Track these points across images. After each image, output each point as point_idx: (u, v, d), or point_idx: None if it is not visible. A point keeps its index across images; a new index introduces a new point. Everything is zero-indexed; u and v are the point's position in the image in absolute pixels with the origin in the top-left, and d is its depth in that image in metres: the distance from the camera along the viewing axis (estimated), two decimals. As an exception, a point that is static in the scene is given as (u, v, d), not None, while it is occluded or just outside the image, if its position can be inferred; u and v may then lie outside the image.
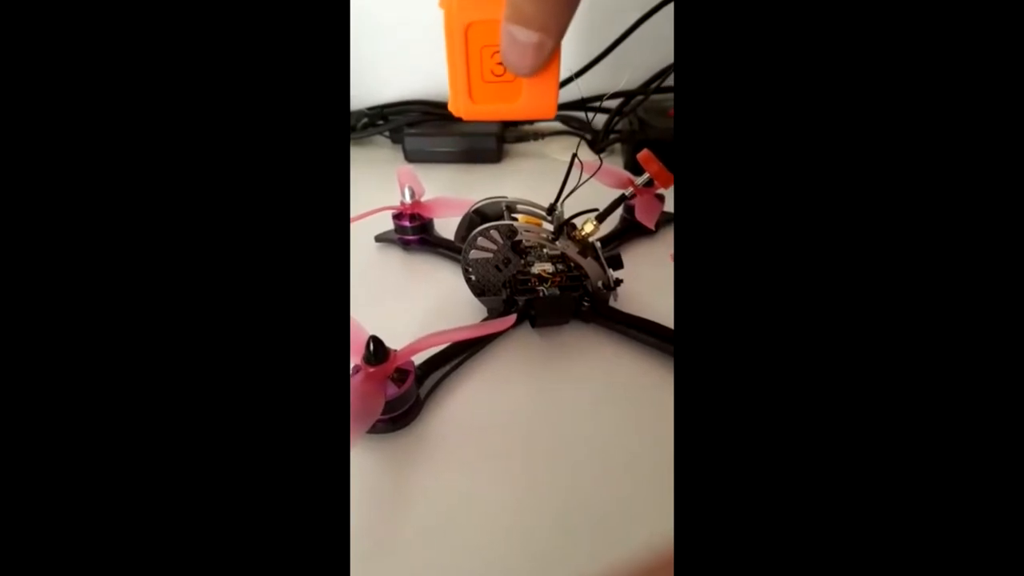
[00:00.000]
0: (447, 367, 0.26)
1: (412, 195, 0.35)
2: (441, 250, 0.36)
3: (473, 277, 0.29)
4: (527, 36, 0.16)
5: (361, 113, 0.54)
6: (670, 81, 0.49)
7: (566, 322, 0.30)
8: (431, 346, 0.23)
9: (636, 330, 0.28)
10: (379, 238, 0.37)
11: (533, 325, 0.29)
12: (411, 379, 0.23)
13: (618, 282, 0.29)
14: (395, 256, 0.37)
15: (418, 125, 0.51)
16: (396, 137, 0.53)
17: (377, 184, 0.42)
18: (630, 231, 0.37)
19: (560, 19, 0.16)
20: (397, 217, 0.36)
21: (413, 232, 0.36)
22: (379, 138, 0.55)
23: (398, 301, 0.32)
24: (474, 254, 0.28)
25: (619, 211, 0.37)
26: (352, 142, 0.54)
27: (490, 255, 0.28)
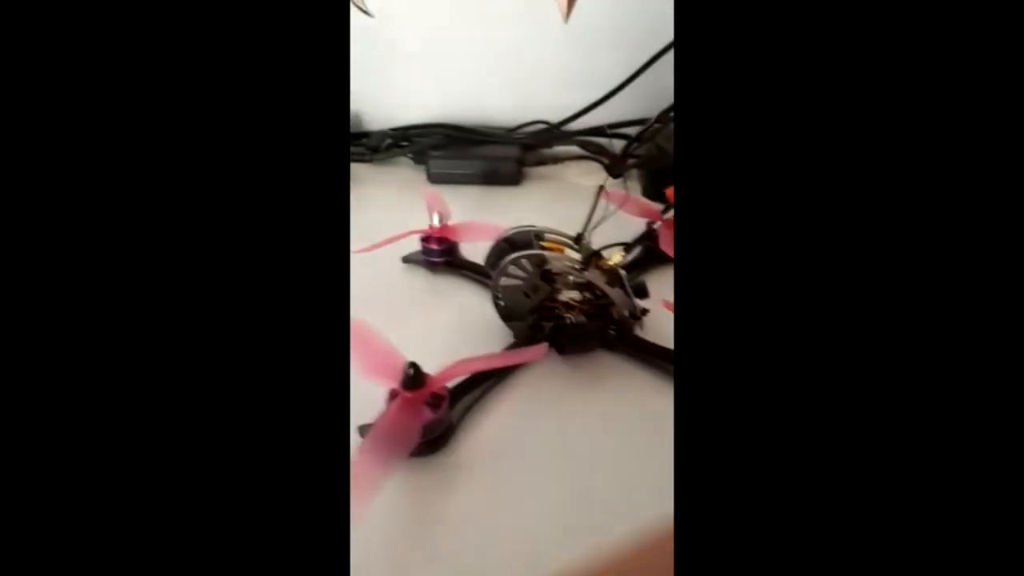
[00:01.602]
0: (477, 392, 0.27)
1: (440, 219, 0.36)
2: (466, 272, 0.36)
3: (502, 303, 0.30)
4: None
5: (384, 134, 0.55)
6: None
7: (593, 350, 0.30)
8: (466, 372, 0.24)
9: (661, 359, 0.29)
10: (407, 259, 0.38)
11: (560, 352, 0.30)
12: (445, 404, 0.24)
13: (644, 311, 0.30)
14: (421, 277, 0.37)
15: (441, 147, 0.52)
16: (419, 159, 0.54)
17: (400, 204, 0.42)
18: (651, 259, 0.37)
19: None
20: (425, 240, 0.37)
21: (439, 255, 0.37)
22: (402, 159, 0.56)
23: (424, 322, 0.33)
24: (504, 281, 0.29)
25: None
26: (375, 163, 0.55)
27: (519, 282, 0.29)
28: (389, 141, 0.55)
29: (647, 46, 0.48)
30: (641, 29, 0.52)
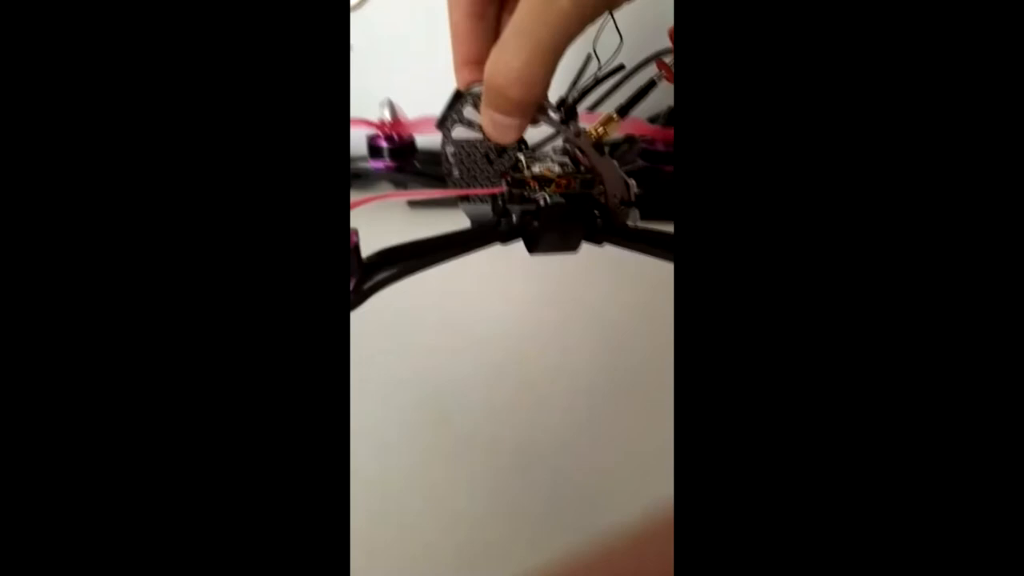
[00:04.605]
0: (403, 265, 0.19)
1: (392, 112, 0.29)
2: (424, 179, 0.29)
3: (456, 171, 0.22)
4: (507, 120, 0.18)
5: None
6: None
7: (575, 247, 0.23)
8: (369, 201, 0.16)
9: (662, 249, 0.21)
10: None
11: (530, 249, 0.23)
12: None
13: (639, 196, 0.23)
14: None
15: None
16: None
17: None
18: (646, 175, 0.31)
19: (537, 102, 0.18)
20: (374, 138, 0.30)
21: (392, 156, 0.30)
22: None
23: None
24: (458, 132, 0.21)
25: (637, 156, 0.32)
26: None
27: (479, 135, 0.21)
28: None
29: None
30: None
